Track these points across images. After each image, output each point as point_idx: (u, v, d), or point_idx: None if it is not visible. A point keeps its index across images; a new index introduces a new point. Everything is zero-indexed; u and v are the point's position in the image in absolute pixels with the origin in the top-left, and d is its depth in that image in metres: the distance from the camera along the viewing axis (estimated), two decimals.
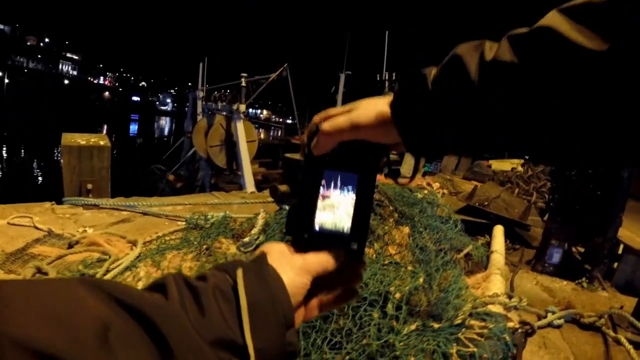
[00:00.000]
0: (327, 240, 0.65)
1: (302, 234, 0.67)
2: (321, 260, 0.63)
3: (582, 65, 0.46)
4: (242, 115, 11.88)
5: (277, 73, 12.89)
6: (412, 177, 0.73)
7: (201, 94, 15.39)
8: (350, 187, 0.66)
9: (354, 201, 0.66)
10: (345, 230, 0.66)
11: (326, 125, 0.65)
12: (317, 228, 0.66)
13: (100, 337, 0.35)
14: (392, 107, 0.62)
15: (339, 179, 0.66)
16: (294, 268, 0.60)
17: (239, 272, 0.54)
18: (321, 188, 0.67)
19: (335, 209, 0.66)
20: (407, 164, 11.12)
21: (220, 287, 0.53)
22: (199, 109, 15.41)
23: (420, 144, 0.63)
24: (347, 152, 0.67)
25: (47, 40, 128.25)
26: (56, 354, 0.31)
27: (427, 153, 0.65)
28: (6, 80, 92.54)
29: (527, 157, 0.66)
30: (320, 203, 0.67)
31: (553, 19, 0.49)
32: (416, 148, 0.64)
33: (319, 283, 0.63)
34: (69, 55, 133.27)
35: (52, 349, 0.31)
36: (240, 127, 11.71)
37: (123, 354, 0.36)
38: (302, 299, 0.60)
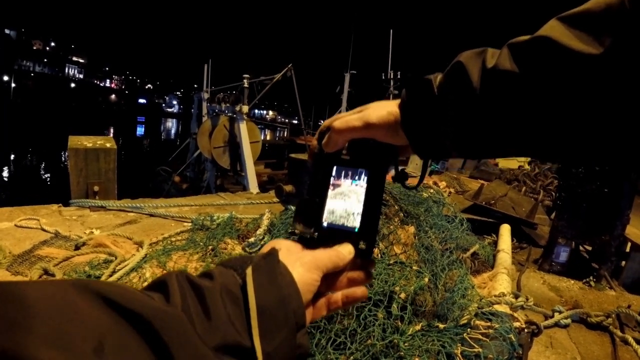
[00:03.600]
0: (335, 237, 0.64)
1: (310, 229, 0.66)
2: (331, 256, 0.61)
3: (580, 70, 0.48)
4: (245, 117, 11.89)
5: (282, 74, 12.86)
6: (420, 181, 0.75)
7: (206, 96, 15.43)
8: (361, 180, 0.66)
9: (365, 190, 0.66)
10: (353, 225, 0.65)
11: (338, 123, 0.66)
12: (325, 224, 0.66)
13: (96, 349, 0.33)
14: (400, 110, 0.64)
15: (349, 173, 0.67)
16: (304, 264, 0.58)
17: (249, 271, 0.52)
18: (332, 179, 0.67)
19: (347, 197, 0.66)
20: (413, 164, 11.09)
21: (228, 287, 0.50)
22: (204, 111, 15.46)
23: (427, 147, 0.64)
24: (358, 150, 0.67)
25: (52, 44, 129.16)
26: None
27: (433, 155, 0.65)
28: (13, 85, 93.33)
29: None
30: (330, 192, 0.67)
31: (552, 28, 0.51)
32: (422, 150, 0.65)
33: (328, 282, 0.62)
34: (75, 58, 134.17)
35: None
36: (243, 128, 11.71)
37: None
38: (312, 296, 0.58)
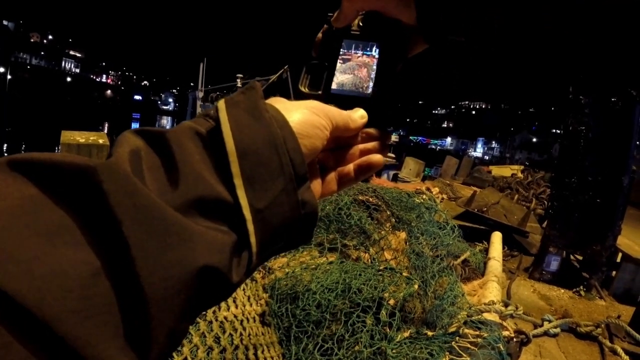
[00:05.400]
0: (345, 103, 0.56)
1: (317, 91, 0.60)
2: (341, 113, 0.51)
3: None
4: None
5: (277, 75, 12.83)
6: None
7: (200, 94, 15.44)
8: (372, 52, 0.61)
9: (377, 60, 0.61)
10: (366, 92, 0.59)
11: None
12: (334, 89, 0.60)
13: (13, 219, 0.26)
14: None
15: (360, 46, 0.62)
16: (309, 107, 0.47)
17: (221, 105, 0.39)
18: (341, 50, 0.62)
19: (357, 68, 0.61)
20: (407, 168, 11.11)
21: (195, 128, 0.37)
22: (198, 109, 15.47)
23: (433, 24, 0.59)
24: (369, 24, 0.62)
25: (50, 37, 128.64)
26: None
27: (437, 34, 0.60)
28: (9, 77, 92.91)
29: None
30: (340, 65, 0.61)
31: None
32: (427, 29, 0.59)
33: (338, 156, 0.55)
34: (72, 52, 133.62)
35: None
36: None
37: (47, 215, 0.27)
38: (321, 146, 0.47)
